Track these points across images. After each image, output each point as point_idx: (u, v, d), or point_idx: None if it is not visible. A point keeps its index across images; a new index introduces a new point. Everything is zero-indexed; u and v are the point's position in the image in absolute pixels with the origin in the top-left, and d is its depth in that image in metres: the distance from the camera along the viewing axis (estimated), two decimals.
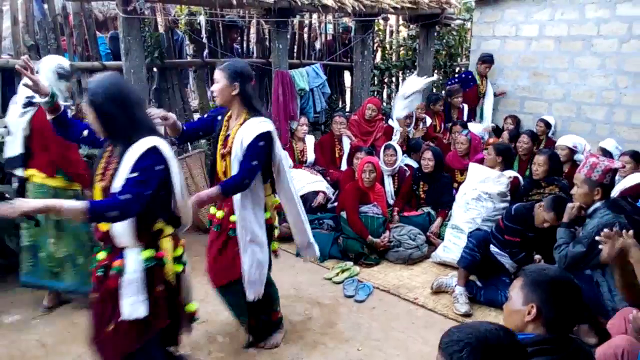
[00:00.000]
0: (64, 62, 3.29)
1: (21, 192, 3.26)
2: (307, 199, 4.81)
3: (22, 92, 3.10)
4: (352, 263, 4.23)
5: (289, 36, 5.89)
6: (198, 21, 5.37)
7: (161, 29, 5.19)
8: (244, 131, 2.66)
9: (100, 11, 7.12)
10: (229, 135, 2.75)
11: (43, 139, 3.14)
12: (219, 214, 2.90)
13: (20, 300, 3.63)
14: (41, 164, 3.22)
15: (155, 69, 5.13)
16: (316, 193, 4.92)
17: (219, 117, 2.86)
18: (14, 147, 3.21)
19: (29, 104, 3.11)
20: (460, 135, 5.20)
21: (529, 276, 1.68)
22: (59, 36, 4.51)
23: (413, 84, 5.63)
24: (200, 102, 5.66)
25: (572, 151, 4.80)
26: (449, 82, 6.81)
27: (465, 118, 6.26)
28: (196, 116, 5.75)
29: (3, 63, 4.11)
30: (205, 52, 5.62)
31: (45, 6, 4.52)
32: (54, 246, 3.31)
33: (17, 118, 3.17)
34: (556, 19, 6.05)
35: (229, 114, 2.80)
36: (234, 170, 2.69)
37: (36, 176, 3.24)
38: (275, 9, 4.88)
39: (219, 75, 2.69)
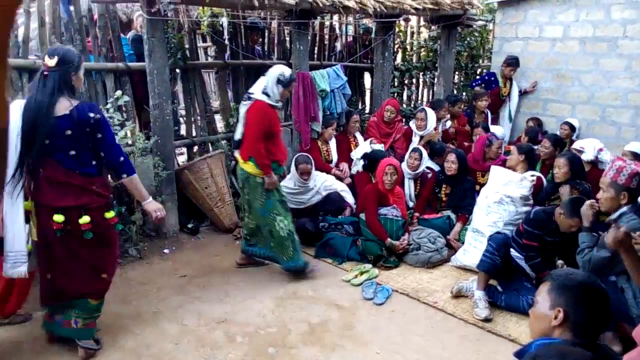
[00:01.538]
0: (287, 71, 3.84)
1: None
2: (331, 198, 4.81)
3: (252, 88, 3.89)
4: (370, 265, 4.22)
5: (309, 37, 5.90)
6: (220, 23, 5.41)
7: (184, 31, 5.24)
8: None
9: (124, 12, 7.23)
10: None
11: (246, 127, 3.80)
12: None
13: None
14: (242, 150, 3.86)
15: (177, 70, 5.19)
16: (340, 196, 4.89)
17: None
18: (237, 133, 3.98)
19: (247, 98, 3.86)
20: (496, 140, 5.14)
21: (556, 280, 1.67)
22: (84, 37, 4.58)
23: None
24: (222, 103, 5.70)
25: (580, 152, 4.73)
26: (472, 84, 6.74)
27: (489, 122, 6.20)
28: (217, 117, 5.79)
29: (30, 64, 4.20)
30: (227, 53, 5.65)
31: (72, 8, 4.60)
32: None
33: (242, 109, 3.93)
34: (581, 20, 5.95)
35: None
36: None
37: (239, 159, 3.91)
38: (297, 11, 4.90)
39: None
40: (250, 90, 3.89)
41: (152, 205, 3.09)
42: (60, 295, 2.92)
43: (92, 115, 2.71)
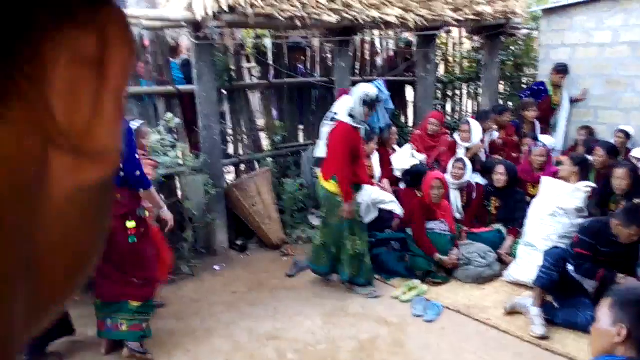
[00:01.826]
0: (371, 91, 3.87)
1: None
2: (382, 218, 4.78)
3: (335, 108, 3.98)
4: (419, 281, 4.17)
5: (350, 54, 5.96)
6: (264, 44, 5.55)
7: (230, 53, 5.41)
8: None
9: (172, 37, 7.52)
10: None
11: (330, 149, 3.88)
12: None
13: None
14: (324, 169, 3.94)
15: (224, 91, 5.35)
16: (390, 213, 4.87)
17: None
18: (320, 150, 4.06)
19: (332, 119, 3.96)
20: (537, 147, 5.02)
21: (618, 295, 1.63)
22: (135, 63, 4.80)
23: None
24: (266, 122, 5.83)
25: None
26: (521, 95, 6.58)
27: (538, 132, 6.04)
28: (262, 135, 5.91)
29: None
30: (271, 73, 5.78)
31: None
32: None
33: (324, 128, 4.07)
34: (631, 24, 5.75)
35: None
36: None
37: (320, 177, 3.99)
38: (338, 29, 4.97)
39: None
40: (334, 110, 3.95)
41: (169, 214, 3.37)
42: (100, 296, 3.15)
43: None
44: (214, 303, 3.95)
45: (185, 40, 5.77)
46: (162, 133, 4.37)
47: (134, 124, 3.60)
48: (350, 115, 3.78)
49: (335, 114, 3.87)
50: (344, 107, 3.86)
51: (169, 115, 4.51)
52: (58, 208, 0.24)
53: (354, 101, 3.79)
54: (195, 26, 4.34)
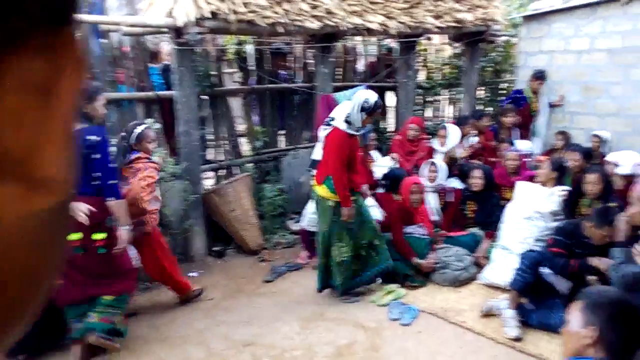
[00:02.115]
0: (372, 97, 3.75)
1: None
2: None
3: (334, 112, 3.93)
4: (397, 285, 4.19)
5: (333, 60, 5.99)
6: (244, 50, 5.56)
7: (211, 59, 5.41)
8: None
9: (153, 43, 7.50)
10: None
11: (325, 154, 3.85)
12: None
13: None
14: (317, 173, 3.91)
15: (205, 97, 5.34)
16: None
17: None
18: (317, 153, 4.10)
19: (327, 122, 3.91)
20: (509, 152, 5.09)
21: (588, 298, 1.66)
22: (115, 69, 4.79)
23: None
24: (247, 127, 5.83)
25: (615, 166, 4.57)
26: (502, 104, 6.64)
27: (517, 137, 6.11)
28: (242, 140, 5.91)
29: None
30: (253, 79, 5.79)
31: (103, 41, 4.83)
32: None
33: (321, 132, 4.09)
34: (608, 31, 5.85)
35: None
36: None
37: (314, 181, 3.95)
38: (320, 35, 4.99)
39: None
40: (332, 115, 3.87)
41: (125, 235, 3.21)
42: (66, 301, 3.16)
43: (90, 137, 2.96)
44: (189, 310, 3.93)
45: (166, 46, 5.76)
46: None
47: (140, 128, 3.69)
48: (347, 122, 3.70)
49: (332, 119, 3.80)
50: (342, 112, 3.79)
51: (149, 120, 4.49)
52: (6, 236, 0.24)
53: (352, 107, 3.71)
54: (177, 32, 4.33)
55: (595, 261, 3.37)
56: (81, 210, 2.95)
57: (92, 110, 3.12)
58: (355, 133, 3.76)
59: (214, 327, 3.66)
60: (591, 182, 4.07)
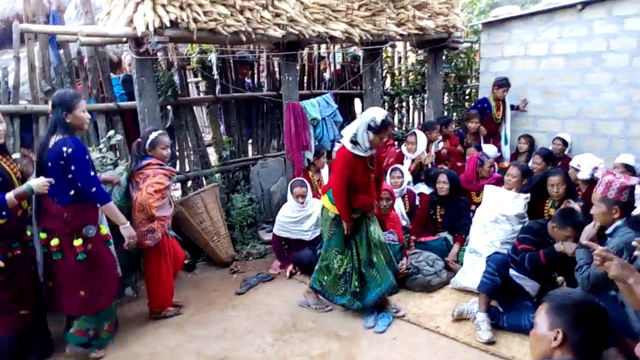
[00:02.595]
0: (379, 116, 3.46)
1: None
2: None
3: (346, 128, 3.72)
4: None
5: (298, 68, 5.98)
6: (209, 59, 5.48)
7: (173, 68, 5.31)
8: None
9: (114, 52, 7.33)
10: None
11: (331, 169, 3.89)
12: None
13: None
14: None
15: (169, 107, 5.23)
16: None
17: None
18: None
19: (337, 141, 3.96)
20: (486, 159, 5.15)
21: (553, 301, 1.67)
22: (74, 80, 4.64)
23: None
24: (214, 137, 5.74)
25: (577, 171, 4.67)
26: (468, 112, 6.72)
27: (482, 141, 6.22)
28: (210, 150, 5.82)
29: (21, 109, 4.23)
30: (218, 88, 5.72)
31: (61, 51, 4.67)
32: None
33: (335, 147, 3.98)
34: (564, 37, 6.04)
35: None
36: None
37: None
38: (284, 43, 4.97)
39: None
40: (343, 132, 3.74)
41: (128, 231, 3.38)
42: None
43: (64, 149, 3.01)
44: (159, 326, 3.81)
45: (129, 56, 5.63)
46: (102, 151, 4.22)
47: (153, 134, 3.80)
48: (354, 142, 3.51)
49: (341, 136, 3.70)
50: (350, 130, 3.57)
51: (111, 132, 4.37)
52: None
53: (359, 125, 3.49)
54: (136, 41, 4.23)
55: (560, 246, 3.43)
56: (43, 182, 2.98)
57: (74, 119, 3.14)
58: (362, 154, 3.54)
59: (185, 343, 3.56)
60: (555, 184, 4.19)
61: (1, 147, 3.07)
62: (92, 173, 3.14)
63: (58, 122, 3.10)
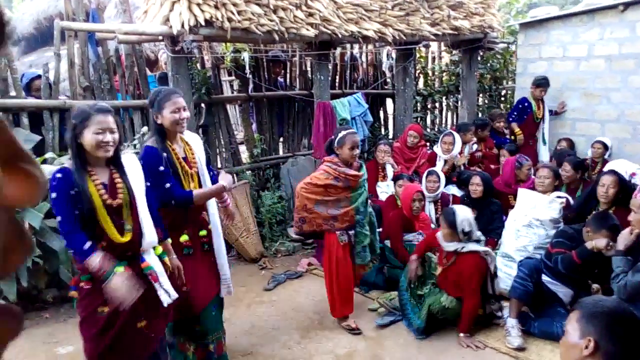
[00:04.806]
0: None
1: None
2: None
3: None
4: (397, 293, 4.13)
5: (330, 67, 5.98)
6: (242, 58, 5.55)
7: (207, 66, 5.40)
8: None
9: (152, 51, 7.50)
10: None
11: None
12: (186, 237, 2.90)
13: (72, 331, 3.76)
14: None
15: (202, 105, 5.32)
16: None
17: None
18: None
19: None
20: (524, 163, 5.02)
21: (585, 308, 1.61)
22: (112, 77, 4.77)
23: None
24: (246, 135, 5.81)
25: None
26: (509, 116, 6.48)
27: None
28: (241, 147, 5.88)
29: (60, 104, 4.37)
30: (250, 86, 5.78)
31: (100, 49, 4.81)
32: None
33: None
34: (606, 38, 5.86)
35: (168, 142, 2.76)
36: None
37: None
38: (317, 43, 4.98)
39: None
40: None
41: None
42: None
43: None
44: None
45: (165, 54, 5.75)
46: (137, 147, 4.31)
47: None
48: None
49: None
50: None
51: (144, 128, 4.47)
52: None
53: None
54: (172, 40, 4.31)
55: (591, 243, 3.26)
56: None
57: (164, 120, 2.67)
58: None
59: None
60: (606, 185, 3.86)
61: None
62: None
63: (150, 124, 2.84)
